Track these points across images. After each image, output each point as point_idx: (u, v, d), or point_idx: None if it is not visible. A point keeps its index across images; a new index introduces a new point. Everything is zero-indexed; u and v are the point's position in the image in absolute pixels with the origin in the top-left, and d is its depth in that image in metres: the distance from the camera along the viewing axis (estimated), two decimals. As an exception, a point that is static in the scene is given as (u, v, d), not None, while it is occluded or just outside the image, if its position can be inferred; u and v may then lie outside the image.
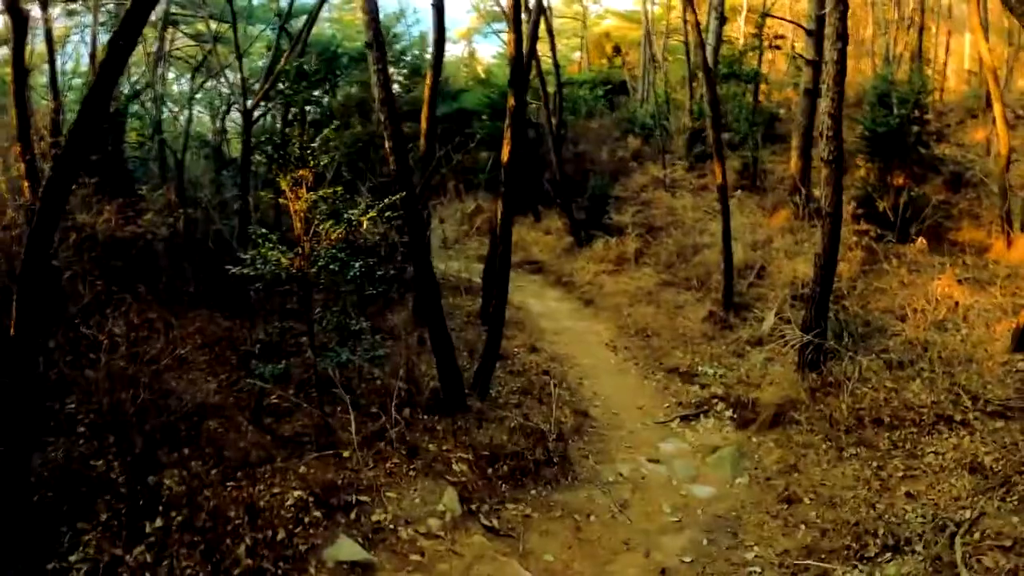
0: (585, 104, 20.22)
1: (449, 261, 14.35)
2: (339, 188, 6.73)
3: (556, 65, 16.71)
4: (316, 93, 15.43)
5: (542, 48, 15.15)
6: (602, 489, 6.89)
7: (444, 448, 6.84)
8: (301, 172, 6.27)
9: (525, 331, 11.73)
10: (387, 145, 6.95)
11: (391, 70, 13.85)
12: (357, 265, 7.15)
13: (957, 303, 7.71)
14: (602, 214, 15.39)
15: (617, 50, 23.65)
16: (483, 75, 24.27)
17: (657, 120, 17.32)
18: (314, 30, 13.91)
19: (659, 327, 11.43)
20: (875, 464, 6.40)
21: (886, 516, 5.68)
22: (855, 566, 5.18)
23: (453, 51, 28.86)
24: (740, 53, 15.36)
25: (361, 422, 6.75)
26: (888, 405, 7.01)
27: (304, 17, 13.76)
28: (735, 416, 8.47)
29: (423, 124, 10.66)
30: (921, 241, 9.79)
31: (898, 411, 6.87)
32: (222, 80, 14.57)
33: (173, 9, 14.65)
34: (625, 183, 16.81)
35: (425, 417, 7.44)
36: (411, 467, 6.40)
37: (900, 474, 6.19)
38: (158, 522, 4.92)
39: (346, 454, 6.17)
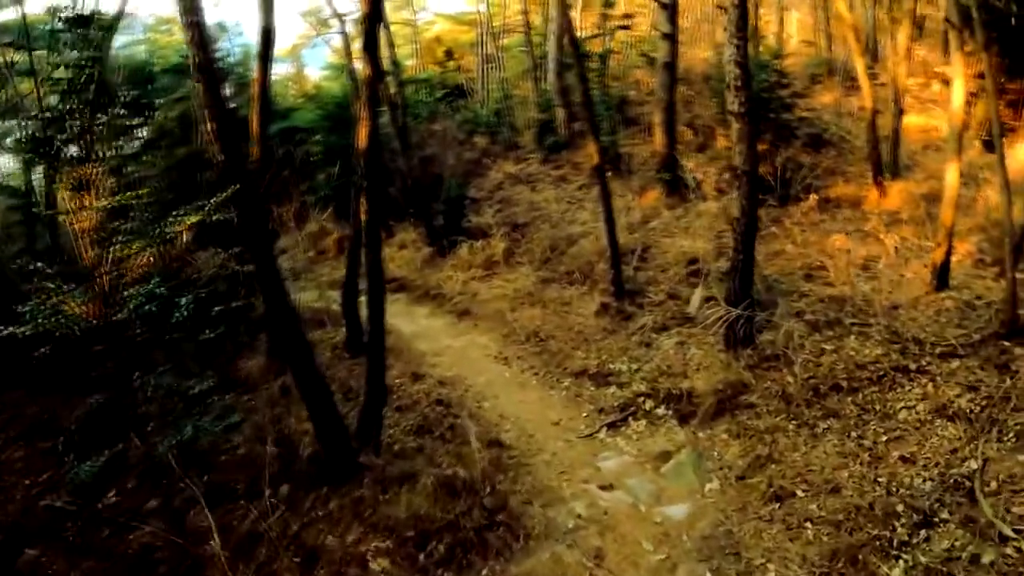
0: (426, 107, 18.95)
1: (301, 292, 12.10)
2: (144, 191, 4.56)
3: (395, 62, 15.17)
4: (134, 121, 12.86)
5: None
6: (566, 544, 5.37)
7: (351, 538, 4.93)
8: (83, 170, 4.07)
9: (402, 358, 9.96)
10: (210, 127, 4.88)
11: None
12: (185, 301, 5.01)
13: (897, 248, 7.52)
14: (460, 217, 14.18)
15: (449, 54, 22.75)
16: (313, 91, 22.48)
17: (504, 117, 16.50)
18: (127, 53, 11.41)
19: (551, 329, 10.34)
20: (853, 434, 5.74)
21: (895, 489, 4.98)
22: (898, 556, 4.32)
23: (278, 70, 26.45)
24: (584, 37, 15.09)
25: (227, 516, 4.67)
26: (838, 368, 6.48)
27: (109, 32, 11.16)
28: (670, 412, 7.55)
29: (254, 127, 8.57)
30: (813, 198, 9.80)
31: (852, 372, 6.36)
32: (22, 115, 11.59)
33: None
34: (480, 183, 15.74)
35: (312, 494, 5.49)
36: (314, 579, 4.44)
37: (884, 439, 5.57)
38: None
39: (214, 585, 4.05)
